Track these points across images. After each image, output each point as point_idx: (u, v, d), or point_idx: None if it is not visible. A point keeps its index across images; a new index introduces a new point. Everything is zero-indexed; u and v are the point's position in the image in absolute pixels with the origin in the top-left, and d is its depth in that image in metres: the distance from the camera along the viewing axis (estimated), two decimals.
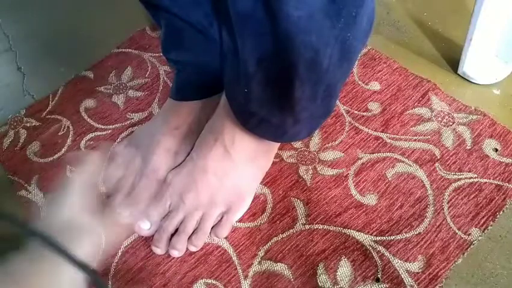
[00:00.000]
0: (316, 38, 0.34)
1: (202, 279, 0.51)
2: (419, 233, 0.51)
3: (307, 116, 0.45)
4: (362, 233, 0.52)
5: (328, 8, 0.33)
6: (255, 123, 0.48)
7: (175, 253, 0.52)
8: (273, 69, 0.38)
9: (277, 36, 0.34)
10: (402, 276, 0.49)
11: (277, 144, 0.57)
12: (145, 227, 0.52)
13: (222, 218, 0.53)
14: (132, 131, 0.64)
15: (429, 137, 0.59)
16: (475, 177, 0.55)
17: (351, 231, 0.52)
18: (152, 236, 0.53)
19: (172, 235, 0.52)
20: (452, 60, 0.66)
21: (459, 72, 0.65)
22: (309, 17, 0.33)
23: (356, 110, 0.62)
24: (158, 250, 0.52)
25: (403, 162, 0.57)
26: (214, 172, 0.52)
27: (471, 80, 0.64)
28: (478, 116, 0.60)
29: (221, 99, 0.54)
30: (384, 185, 0.55)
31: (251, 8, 0.33)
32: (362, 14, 0.36)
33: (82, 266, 0.33)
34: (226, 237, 0.53)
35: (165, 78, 0.70)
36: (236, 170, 0.53)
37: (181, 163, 0.56)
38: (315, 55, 0.36)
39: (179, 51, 0.56)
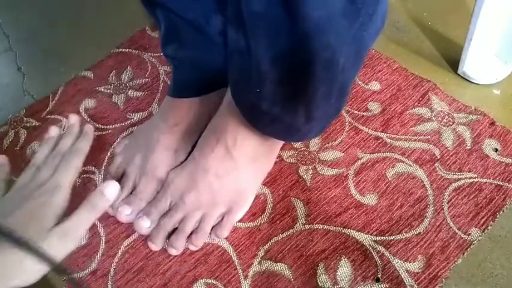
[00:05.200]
0: (334, 38, 0.34)
1: (202, 279, 0.51)
2: (419, 233, 0.51)
3: (321, 115, 0.45)
4: (362, 233, 0.52)
5: (347, 8, 0.33)
6: (266, 123, 0.47)
7: (173, 251, 0.52)
8: (287, 68, 0.38)
9: (294, 36, 0.34)
10: (402, 276, 0.49)
11: (280, 145, 0.57)
12: (145, 225, 0.52)
13: (222, 219, 0.53)
14: (132, 131, 0.64)
15: (429, 137, 0.59)
16: (475, 177, 0.55)
17: (351, 231, 0.52)
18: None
19: (171, 234, 0.52)
20: (452, 60, 0.66)
21: (459, 72, 0.65)
22: (328, 18, 0.32)
23: (356, 110, 0.62)
24: (154, 246, 0.52)
25: (403, 162, 0.57)
26: (216, 172, 0.52)
27: (471, 80, 0.64)
28: (478, 116, 0.60)
29: (224, 99, 0.54)
30: (384, 185, 0.55)
31: (266, 8, 0.33)
32: (378, 13, 0.36)
33: (47, 259, 0.33)
34: (226, 237, 0.53)
35: (165, 78, 0.70)
36: (238, 171, 0.53)
37: (182, 162, 0.56)
38: (332, 55, 0.35)
39: (176, 47, 0.56)
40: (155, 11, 0.54)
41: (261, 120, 0.48)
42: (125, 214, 0.53)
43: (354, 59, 0.39)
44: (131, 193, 0.55)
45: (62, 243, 0.39)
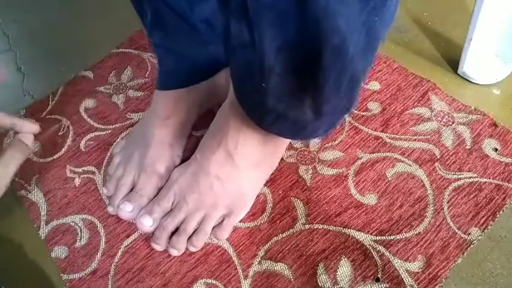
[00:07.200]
0: (344, 23, 0.33)
1: (202, 279, 0.51)
2: (419, 233, 0.51)
3: (329, 110, 0.43)
4: (362, 233, 0.52)
5: None
6: (271, 121, 0.46)
7: (174, 252, 0.52)
8: (295, 58, 0.36)
9: (302, 22, 0.33)
10: (402, 276, 0.49)
11: (283, 150, 0.57)
12: (147, 224, 0.52)
13: (223, 221, 0.53)
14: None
15: (429, 136, 0.59)
16: (475, 177, 0.55)
17: (351, 231, 0.52)
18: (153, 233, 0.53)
19: (173, 233, 0.52)
20: (452, 60, 0.66)
21: (459, 72, 0.65)
22: (338, 0, 0.31)
23: (355, 110, 0.62)
24: (158, 247, 0.52)
25: (403, 162, 0.57)
26: (217, 175, 0.52)
27: (471, 80, 0.64)
28: (478, 116, 0.60)
29: (225, 100, 0.53)
30: (384, 184, 0.55)
31: None
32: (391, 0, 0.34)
33: None
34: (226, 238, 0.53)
35: None
36: (239, 175, 0.52)
37: (179, 155, 0.58)
38: (341, 41, 0.34)
39: (161, 35, 0.56)
40: (141, 1, 0.54)
41: (266, 118, 0.46)
42: (126, 211, 0.54)
43: (365, 48, 0.37)
44: (131, 191, 0.56)
45: None
